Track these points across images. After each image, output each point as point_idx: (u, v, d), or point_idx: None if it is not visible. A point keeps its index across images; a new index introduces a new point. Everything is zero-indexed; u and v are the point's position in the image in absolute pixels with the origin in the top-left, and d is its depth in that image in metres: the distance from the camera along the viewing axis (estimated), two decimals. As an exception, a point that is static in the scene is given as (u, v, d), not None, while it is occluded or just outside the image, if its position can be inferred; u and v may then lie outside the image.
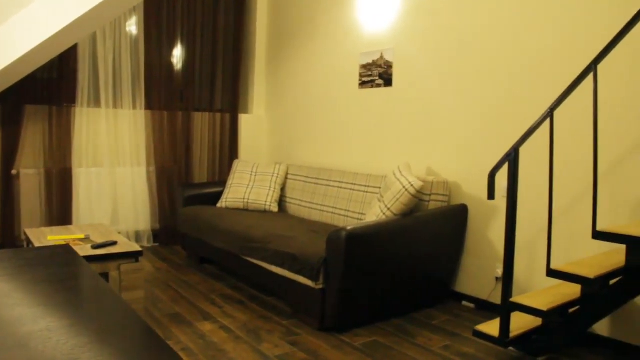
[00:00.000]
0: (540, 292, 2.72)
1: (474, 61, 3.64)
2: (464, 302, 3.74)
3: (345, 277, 3.02)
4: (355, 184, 4.18)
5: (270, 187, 4.74)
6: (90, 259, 2.92)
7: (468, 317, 3.47)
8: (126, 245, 3.18)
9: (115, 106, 5.05)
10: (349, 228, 3.03)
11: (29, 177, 4.67)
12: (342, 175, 4.35)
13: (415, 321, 3.37)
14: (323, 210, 4.39)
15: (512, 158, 2.55)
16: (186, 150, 5.44)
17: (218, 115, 5.65)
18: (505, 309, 2.59)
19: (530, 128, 2.55)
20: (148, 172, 5.26)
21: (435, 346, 2.98)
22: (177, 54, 5.43)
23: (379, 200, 3.57)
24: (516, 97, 3.40)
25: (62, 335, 1.09)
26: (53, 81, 4.71)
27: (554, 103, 2.51)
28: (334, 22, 4.87)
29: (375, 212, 3.51)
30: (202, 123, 5.57)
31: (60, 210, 4.78)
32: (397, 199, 3.35)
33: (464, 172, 3.72)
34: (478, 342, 3.04)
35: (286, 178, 4.91)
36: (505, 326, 2.59)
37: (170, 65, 5.35)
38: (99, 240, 3.28)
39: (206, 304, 3.59)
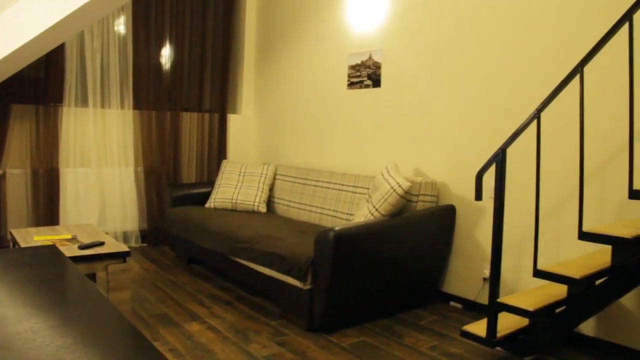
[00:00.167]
0: (526, 292, 2.73)
1: (462, 62, 3.66)
2: (451, 303, 3.75)
3: (333, 278, 3.03)
4: (343, 185, 4.19)
5: (258, 187, 4.73)
6: (77, 259, 2.90)
7: (456, 318, 3.48)
8: (113, 245, 3.16)
9: (103, 106, 5.02)
10: (337, 228, 3.03)
11: (16, 177, 4.62)
12: (331, 175, 4.35)
13: (403, 321, 3.38)
14: (311, 211, 4.39)
15: (499, 159, 2.56)
16: (174, 150, 5.41)
17: (207, 115, 5.63)
18: (492, 309, 2.60)
19: (517, 129, 2.57)
20: (136, 172, 5.24)
21: (423, 346, 2.99)
22: (166, 54, 5.40)
23: (367, 201, 3.57)
24: (504, 99, 3.42)
25: (46, 336, 1.08)
26: (40, 80, 4.67)
27: (540, 104, 2.52)
28: (323, 22, 4.87)
29: (363, 213, 3.52)
30: (190, 123, 5.55)
31: (47, 210, 4.74)
32: (385, 200, 3.36)
33: (452, 173, 3.74)
34: (465, 342, 3.05)
35: (274, 178, 4.91)
36: (492, 326, 2.60)
37: (158, 64, 5.32)
38: (86, 240, 3.26)
39: (194, 304, 3.58)
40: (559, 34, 3.12)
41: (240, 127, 5.81)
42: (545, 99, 2.52)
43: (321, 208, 4.31)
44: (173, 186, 4.85)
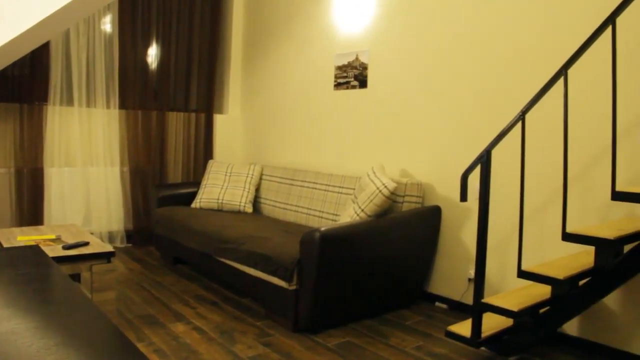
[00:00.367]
0: (511, 292, 2.75)
1: (448, 64, 3.68)
2: (437, 303, 3.77)
3: (318, 278, 3.03)
4: (329, 185, 4.19)
5: (244, 187, 4.72)
6: (61, 259, 2.87)
7: (441, 318, 3.50)
8: (98, 245, 3.13)
9: (88, 105, 4.98)
10: (322, 229, 3.03)
11: (-1, 176, 4.58)
12: (317, 176, 4.35)
13: (388, 322, 3.39)
14: (297, 211, 4.39)
15: (484, 160, 2.58)
16: (160, 150, 5.38)
17: (193, 115, 5.61)
18: (477, 309, 2.62)
19: (502, 131, 2.58)
20: (122, 172, 5.20)
21: (408, 347, 3.00)
22: (152, 53, 5.37)
23: (353, 202, 3.58)
24: (489, 100, 3.44)
25: (27, 337, 1.07)
26: (24, 78, 4.62)
27: (525, 106, 2.55)
28: (309, 23, 4.87)
29: (349, 213, 3.53)
30: (176, 123, 5.52)
31: (31, 210, 4.70)
32: (371, 200, 3.37)
33: (438, 174, 3.76)
34: (450, 343, 3.07)
35: (261, 179, 4.90)
36: (477, 327, 2.62)
37: (144, 64, 5.29)
38: (71, 240, 3.23)
39: (179, 305, 3.56)
40: (544, 36, 3.14)
41: (227, 127, 5.79)
42: (530, 101, 2.55)
43: (307, 208, 4.31)
44: (159, 186, 4.82)
